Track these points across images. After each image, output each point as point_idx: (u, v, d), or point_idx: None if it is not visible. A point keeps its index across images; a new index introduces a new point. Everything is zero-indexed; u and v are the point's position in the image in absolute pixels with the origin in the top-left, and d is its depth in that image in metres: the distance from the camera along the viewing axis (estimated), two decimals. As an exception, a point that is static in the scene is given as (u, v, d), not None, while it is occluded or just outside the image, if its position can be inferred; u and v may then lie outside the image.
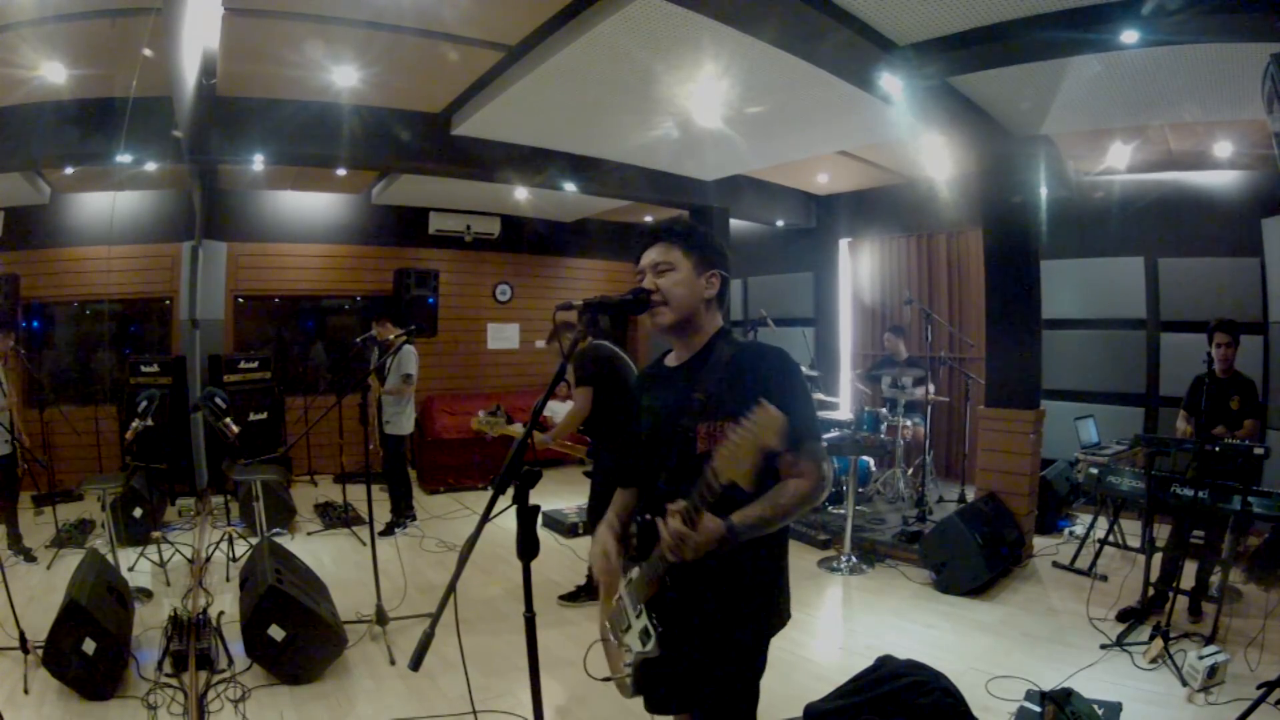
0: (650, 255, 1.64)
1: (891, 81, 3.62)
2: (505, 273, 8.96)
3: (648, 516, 1.56)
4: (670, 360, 1.73)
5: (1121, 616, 3.70)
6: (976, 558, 4.09)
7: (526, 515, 1.43)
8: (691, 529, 1.37)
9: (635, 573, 1.61)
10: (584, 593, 4.08)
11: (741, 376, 1.54)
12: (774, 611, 1.64)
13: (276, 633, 3.03)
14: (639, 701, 1.73)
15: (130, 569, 4.17)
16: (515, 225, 8.83)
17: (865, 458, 5.84)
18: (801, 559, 4.74)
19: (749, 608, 1.58)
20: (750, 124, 4.91)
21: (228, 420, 4.65)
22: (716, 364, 1.58)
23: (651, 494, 1.61)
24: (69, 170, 5.45)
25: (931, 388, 5.92)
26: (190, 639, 3.23)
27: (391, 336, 5.02)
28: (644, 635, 1.57)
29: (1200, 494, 3.55)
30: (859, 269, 7.99)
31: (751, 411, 1.26)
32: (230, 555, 4.56)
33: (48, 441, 5.26)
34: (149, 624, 3.49)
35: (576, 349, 3.68)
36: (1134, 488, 4.05)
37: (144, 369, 5.91)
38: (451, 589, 1.41)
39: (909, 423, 6.05)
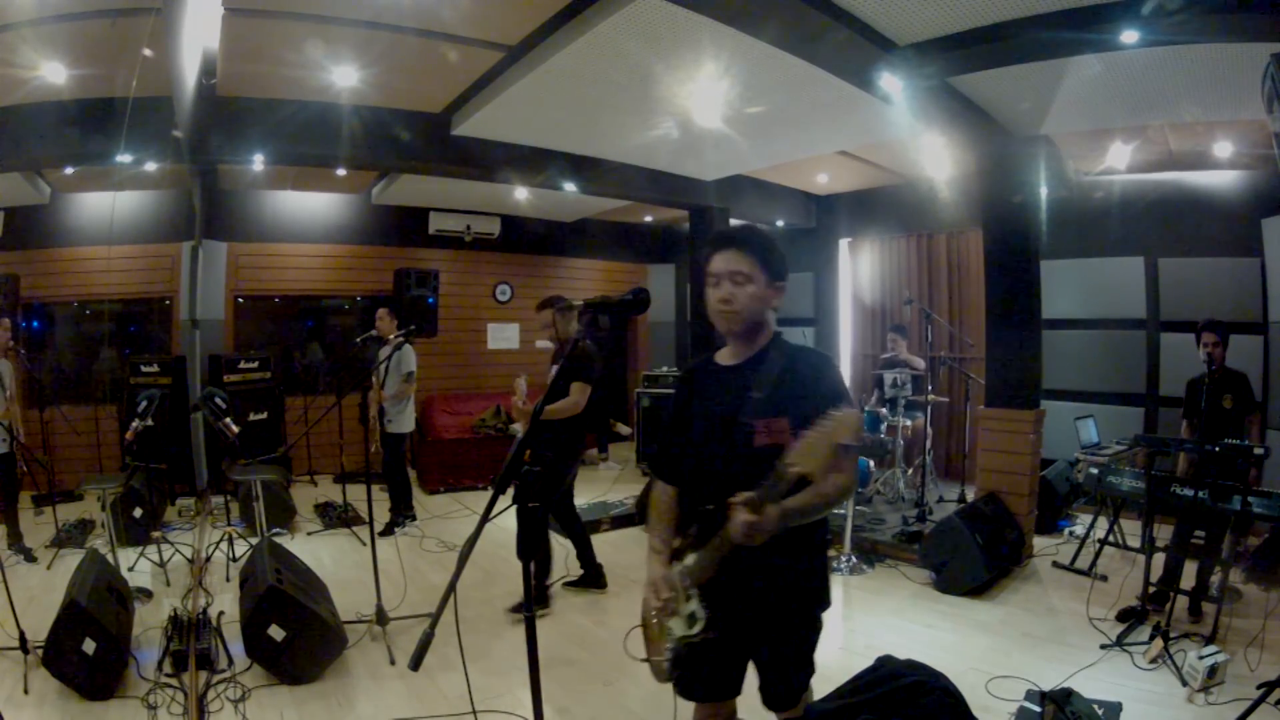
0: (728, 262, 1.68)
1: (891, 81, 3.62)
2: (505, 273, 8.96)
3: (709, 508, 1.63)
4: (724, 359, 1.81)
5: (1121, 616, 3.70)
6: (976, 558, 4.09)
7: (526, 515, 1.44)
8: (758, 517, 1.45)
9: (690, 559, 1.67)
10: (588, 578, 4.24)
11: (797, 378, 1.66)
12: (822, 589, 1.78)
13: (276, 633, 3.03)
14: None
15: (130, 569, 4.17)
16: (515, 225, 8.83)
17: (865, 458, 5.84)
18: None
19: (801, 586, 1.72)
20: (750, 124, 4.91)
21: (228, 420, 4.65)
22: (773, 365, 1.68)
23: (710, 483, 1.67)
24: (69, 170, 5.46)
25: (930, 387, 5.92)
26: (190, 639, 3.23)
27: (391, 336, 5.02)
28: (691, 620, 1.64)
29: (1200, 494, 3.55)
30: (859, 269, 7.99)
31: (829, 413, 1.38)
32: (230, 555, 4.56)
33: (48, 441, 5.27)
34: (149, 624, 3.49)
35: (577, 348, 3.70)
36: (1134, 488, 4.05)
37: (144, 369, 5.91)
38: (451, 589, 1.41)
39: (908, 423, 6.06)
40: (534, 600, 3.98)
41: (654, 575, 1.75)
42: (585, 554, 4.32)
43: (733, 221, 7.30)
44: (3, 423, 4.27)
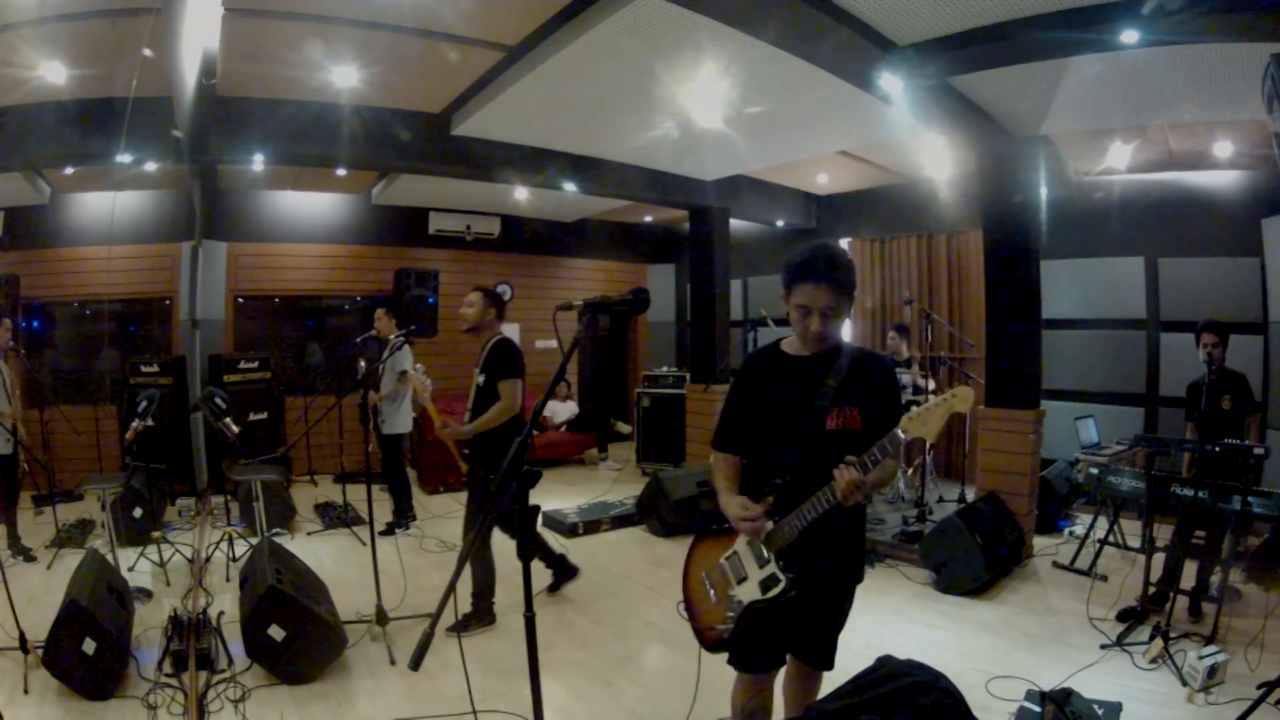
0: (820, 298, 1.81)
1: (891, 81, 3.62)
2: (505, 273, 8.96)
3: (782, 480, 1.85)
4: (790, 350, 1.99)
5: (1121, 616, 3.70)
6: (976, 558, 4.09)
7: (527, 515, 1.44)
8: (863, 477, 1.67)
9: (770, 526, 1.86)
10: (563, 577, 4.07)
11: (866, 374, 1.89)
12: (864, 560, 2.10)
13: (276, 633, 3.02)
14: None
15: (130, 569, 4.17)
16: (515, 225, 8.84)
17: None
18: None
19: (854, 558, 2.02)
20: (750, 124, 4.91)
21: (228, 420, 4.64)
22: (844, 361, 1.89)
23: (781, 460, 1.88)
24: (69, 170, 5.45)
25: (932, 384, 5.92)
26: (190, 639, 3.23)
27: (391, 337, 5.02)
28: (769, 582, 1.84)
29: (1200, 494, 3.55)
30: (859, 269, 7.98)
31: (952, 387, 1.74)
32: (230, 555, 4.56)
33: (48, 441, 5.26)
34: (149, 624, 3.49)
35: (495, 344, 3.57)
36: (1134, 488, 4.05)
37: (144, 369, 5.91)
38: (451, 589, 1.42)
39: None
40: (475, 617, 3.81)
41: (733, 503, 1.92)
42: (544, 554, 4.16)
43: (733, 222, 7.31)
44: (4, 424, 4.27)
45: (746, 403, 2.03)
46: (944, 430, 6.54)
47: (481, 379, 3.66)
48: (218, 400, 4.82)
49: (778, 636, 1.98)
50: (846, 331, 8.54)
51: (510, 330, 8.86)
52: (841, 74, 3.72)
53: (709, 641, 2.02)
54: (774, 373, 1.99)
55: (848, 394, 1.85)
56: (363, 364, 5.84)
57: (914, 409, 1.72)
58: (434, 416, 3.73)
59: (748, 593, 1.89)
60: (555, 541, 4.54)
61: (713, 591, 1.99)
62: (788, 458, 1.86)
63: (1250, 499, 3.42)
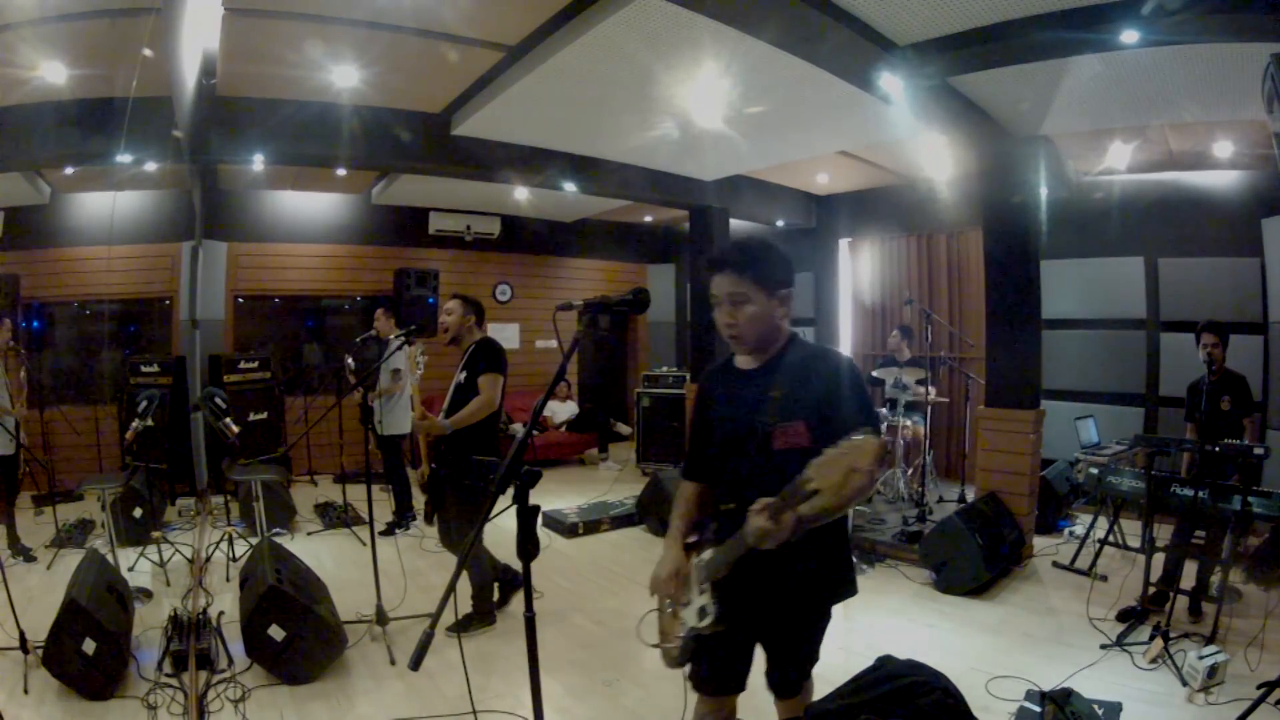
0: (723, 285, 1.72)
1: (891, 81, 3.62)
2: (505, 273, 8.96)
3: (731, 505, 1.70)
4: (742, 363, 1.85)
5: (1121, 616, 3.70)
6: (976, 558, 4.09)
7: (526, 515, 1.44)
8: (775, 524, 1.49)
9: (709, 554, 1.72)
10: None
11: (812, 381, 1.70)
12: (841, 581, 1.82)
13: (276, 633, 3.03)
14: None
15: (130, 569, 4.17)
16: (515, 225, 8.83)
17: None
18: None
19: (813, 583, 1.75)
20: (750, 124, 4.91)
21: (228, 420, 4.64)
22: (789, 369, 1.73)
23: (731, 483, 1.75)
24: (69, 170, 5.45)
25: (932, 390, 5.92)
26: (190, 639, 3.23)
27: (391, 337, 5.02)
28: (701, 612, 1.70)
29: (1200, 494, 3.55)
30: (859, 269, 7.99)
31: (849, 436, 1.40)
32: (230, 555, 4.56)
33: (48, 441, 5.26)
34: (149, 624, 3.48)
35: (485, 338, 3.56)
36: (1134, 488, 4.05)
37: (144, 369, 5.90)
38: (451, 589, 1.42)
39: (909, 422, 6.06)
40: (475, 617, 3.77)
41: (663, 562, 1.83)
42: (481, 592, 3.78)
43: (733, 222, 7.31)
44: (5, 425, 4.27)
45: (700, 426, 1.91)
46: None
47: (463, 375, 3.62)
48: (218, 400, 4.82)
49: (727, 663, 1.84)
50: (846, 332, 8.53)
51: (510, 330, 8.93)
52: (841, 74, 3.72)
53: (666, 659, 1.90)
54: (722, 390, 1.87)
55: (794, 407, 1.68)
56: (350, 362, 5.80)
57: (818, 457, 1.44)
58: (414, 408, 3.69)
59: (689, 617, 1.77)
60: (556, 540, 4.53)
61: (671, 608, 1.87)
62: (739, 484, 1.71)
63: (1250, 499, 3.41)
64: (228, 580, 4.24)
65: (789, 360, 1.75)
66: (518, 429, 7.15)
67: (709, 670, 1.84)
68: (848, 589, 1.84)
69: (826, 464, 1.40)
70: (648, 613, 1.99)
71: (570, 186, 5.98)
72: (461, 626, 3.57)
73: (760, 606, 1.73)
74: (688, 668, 1.86)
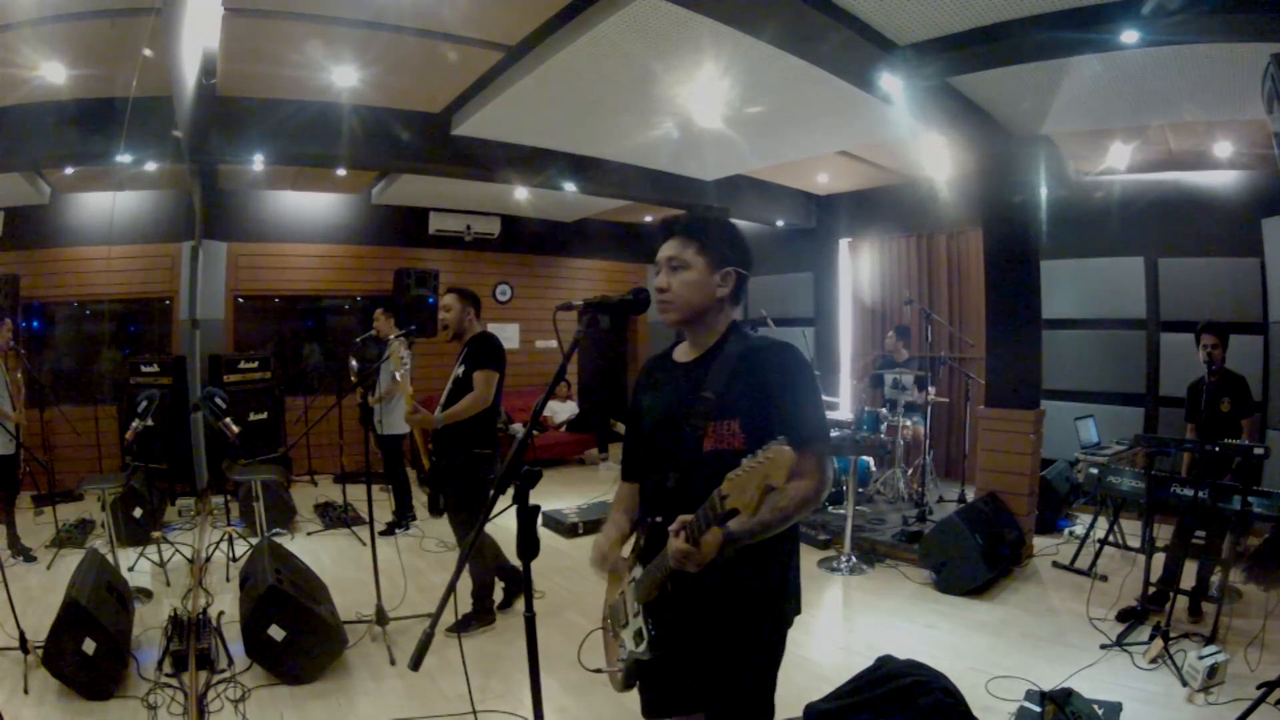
0: (666, 249, 1.61)
1: (891, 81, 3.62)
2: (505, 273, 8.96)
3: (657, 519, 1.53)
4: (679, 355, 1.71)
5: (1121, 616, 3.70)
6: (976, 558, 4.09)
7: (526, 515, 1.43)
8: (694, 547, 1.34)
9: (638, 572, 1.58)
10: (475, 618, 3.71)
11: (750, 376, 1.52)
12: (782, 607, 1.62)
13: (276, 633, 3.02)
14: (640, 702, 1.73)
15: (130, 569, 4.16)
16: (515, 225, 8.83)
17: (865, 458, 5.84)
18: (802, 559, 4.73)
19: (753, 606, 1.55)
20: (750, 124, 4.91)
21: (228, 420, 4.65)
22: (726, 362, 1.55)
23: (658, 490, 1.57)
24: (69, 170, 5.44)
25: (931, 390, 5.92)
26: (190, 639, 3.23)
27: (391, 337, 5.02)
28: (637, 636, 1.53)
29: (1200, 494, 3.55)
30: (859, 269, 7.99)
31: (767, 447, 1.20)
32: (230, 555, 4.56)
33: (48, 441, 5.26)
34: (149, 624, 3.48)
35: (483, 332, 3.56)
36: (1134, 488, 4.05)
37: (144, 369, 5.90)
38: (451, 589, 1.41)
39: (909, 422, 6.06)
40: (475, 616, 3.78)
41: (600, 538, 1.71)
42: (508, 573, 3.88)
43: (735, 223, 7.30)
44: (6, 425, 4.27)
45: (633, 422, 1.75)
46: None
47: (460, 370, 3.62)
48: (218, 400, 4.82)
49: (673, 687, 1.62)
50: (846, 332, 8.53)
51: (510, 330, 8.93)
52: (841, 74, 3.72)
53: (613, 683, 1.70)
54: (657, 383, 1.70)
55: (729, 403, 1.50)
56: (354, 363, 5.82)
57: (733, 471, 1.26)
58: (407, 402, 3.70)
59: (628, 640, 1.58)
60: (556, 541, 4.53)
61: (612, 630, 1.70)
62: (661, 492, 1.54)
63: (1250, 499, 3.41)
64: (228, 580, 4.24)
65: (727, 353, 1.57)
66: (518, 429, 7.14)
67: (653, 694, 1.67)
68: (783, 616, 1.62)
69: (741, 479, 1.23)
70: (589, 633, 1.83)
71: (570, 186, 5.98)
72: (461, 626, 3.57)
73: (692, 635, 1.53)
74: (631, 689, 1.67)
